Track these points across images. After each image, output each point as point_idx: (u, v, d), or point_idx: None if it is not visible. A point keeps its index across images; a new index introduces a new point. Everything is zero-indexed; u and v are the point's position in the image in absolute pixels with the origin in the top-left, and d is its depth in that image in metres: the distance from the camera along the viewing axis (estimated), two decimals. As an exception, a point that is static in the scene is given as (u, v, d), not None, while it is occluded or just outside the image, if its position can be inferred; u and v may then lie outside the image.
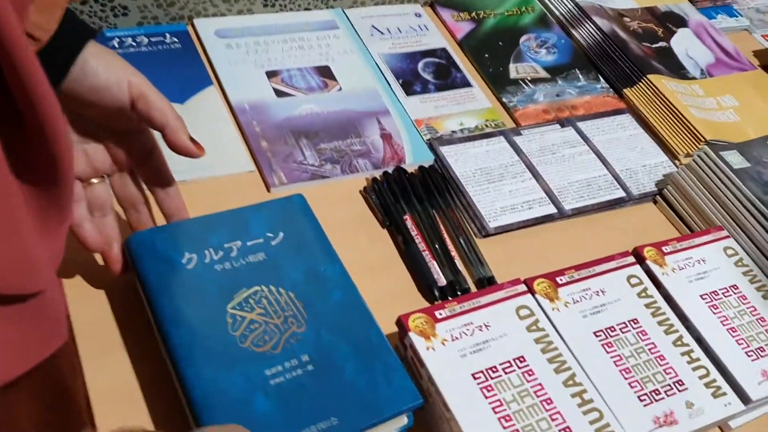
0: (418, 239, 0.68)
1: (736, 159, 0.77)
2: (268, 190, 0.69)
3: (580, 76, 0.93)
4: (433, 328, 0.55)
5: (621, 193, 0.79)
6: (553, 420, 0.52)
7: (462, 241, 0.70)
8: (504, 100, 0.87)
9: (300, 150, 0.73)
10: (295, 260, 0.56)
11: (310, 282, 0.55)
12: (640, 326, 0.62)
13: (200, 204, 0.61)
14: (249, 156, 0.71)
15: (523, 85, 0.90)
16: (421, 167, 0.76)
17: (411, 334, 0.54)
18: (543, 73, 0.92)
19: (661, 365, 0.59)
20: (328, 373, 0.50)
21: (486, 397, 0.52)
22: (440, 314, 0.56)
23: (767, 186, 0.75)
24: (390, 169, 0.74)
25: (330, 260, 0.57)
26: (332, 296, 0.55)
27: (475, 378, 0.53)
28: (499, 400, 0.52)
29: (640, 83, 0.90)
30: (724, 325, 0.64)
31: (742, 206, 0.73)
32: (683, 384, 0.58)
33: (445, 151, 0.78)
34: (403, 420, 0.51)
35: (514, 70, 0.92)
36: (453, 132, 0.81)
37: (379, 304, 0.58)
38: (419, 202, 0.72)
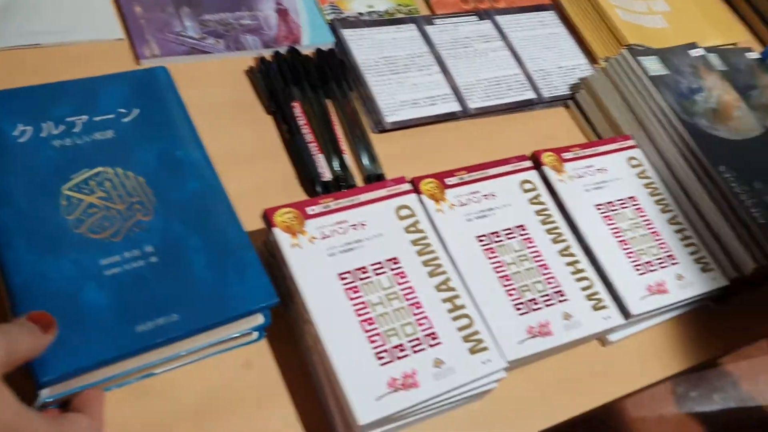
0: (305, 129, 0.62)
1: (654, 65, 0.73)
2: (138, 63, 0.61)
3: (506, -34, 0.86)
4: (302, 225, 0.51)
5: (531, 95, 0.74)
6: (420, 325, 0.49)
7: (354, 135, 0.65)
8: (421, -16, 0.80)
9: (179, 19, 0.65)
10: (149, 142, 0.50)
11: (164, 167, 0.49)
12: (527, 233, 0.59)
13: (56, 72, 0.54)
14: (119, 21, 0.63)
15: (445, -30, 0.82)
16: (318, 50, 0.69)
17: (275, 230, 0.50)
18: (467, -41, 0.85)
19: (543, 274, 0.57)
20: (173, 266, 0.45)
21: (351, 299, 0.49)
22: (312, 210, 0.52)
23: (683, 96, 0.71)
24: (282, 50, 0.67)
25: (191, 145, 0.51)
26: (188, 185, 0.49)
27: (341, 278, 0.49)
28: (363, 302, 0.49)
29: (567, -22, 0.84)
30: (615, 236, 0.62)
31: (653, 115, 0.69)
32: (564, 295, 0.56)
33: (348, 34, 0.71)
34: (258, 319, 0.48)
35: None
36: (360, 14, 0.74)
37: (253, 196, 0.53)
38: (312, 89, 0.66)
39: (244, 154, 0.60)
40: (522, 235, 0.58)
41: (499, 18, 0.79)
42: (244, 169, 0.59)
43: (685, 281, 0.61)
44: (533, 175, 0.63)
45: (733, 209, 0.64)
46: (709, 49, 0.80)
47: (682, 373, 0.63)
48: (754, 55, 0.84)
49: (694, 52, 0.78)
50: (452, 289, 0.52)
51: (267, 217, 0.50)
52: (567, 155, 0.65)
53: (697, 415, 1.56)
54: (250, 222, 0.51)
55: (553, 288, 0.56)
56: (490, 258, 0.56)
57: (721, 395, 1.62)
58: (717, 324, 0.66)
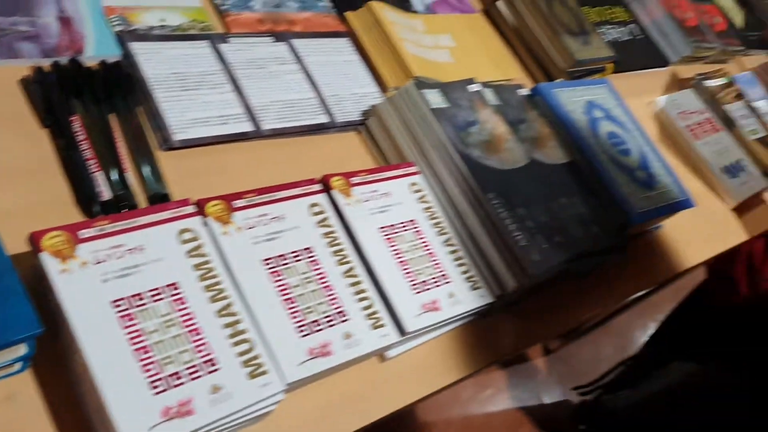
0: (84, 145, 0.59)
1: (436, 98, 0.79)
2: None
3: (305, -9, 0.88)
4: (73, 249, 0.48)
5: (325, 119, 0.77)
6: (198, 351, 0.49)
7: (139, 152, 0.63)
8: (216, 1, 0.80)
9: (-62, 20, 0.59)
10: None
11: None
12: (314, 255, 0.60)
13: None
14: None
15: (247, -11, 0.83)
16: (103, 62, 0.66)
17: (42, 255, 0.47)
18: (268, -20, 0.86)
19: (327, 296, 0.59)
20: None
21: (124, 328, 0.47)
22: (85, 233, 0.49)
23: (459, 128, 0.78)
24: (63, 60, 0.63)
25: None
26: (-62, 204, 0.45)
27: (115, 306, 0.48)
28: (138, 331, 0.47)
29: (363, 9, 0.88)
30: (395, 258, 0.65)
31: (432, 144, 0.75)
32: (345, 315, 0.59)
33: (137, 47, 0.69)
34: (21, 350, 0.45)
35: (235, -29, 0.84)
36: (151, 27, 0.72)
37: (21, 217, 0.50)
38: (95, 103, 0.63)
39: (13, 171, 0.56)
40: (308, 257, 0.60)
41: (295, 41, 0.81)
42: (11, 187, 0.55)
43: (456, 299, 0.67)
44: (322, 199, 0.65)
45: (499, 233, 0.71)
46: (485, 85, 0.87)
47: (462, 379, 0.69)
48: (525, 91, 0.93)
49: (472, 88, 0.85)
50: (234, 314, 0.52)
51: (34, 240, 0.47)
52: (355, 180, 0.69)
53: (485, 414, 1.69)
54: (18, 245, 0.48)
55: (335, 309, 0.59)
56: (275, 281, 0.57)
57: (508, 394, 1.78)
58: (485, 335, 0.73)
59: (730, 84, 1.30)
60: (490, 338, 0.73)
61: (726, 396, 0.66)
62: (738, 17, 1.54)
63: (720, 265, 1.33)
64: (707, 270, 1.37)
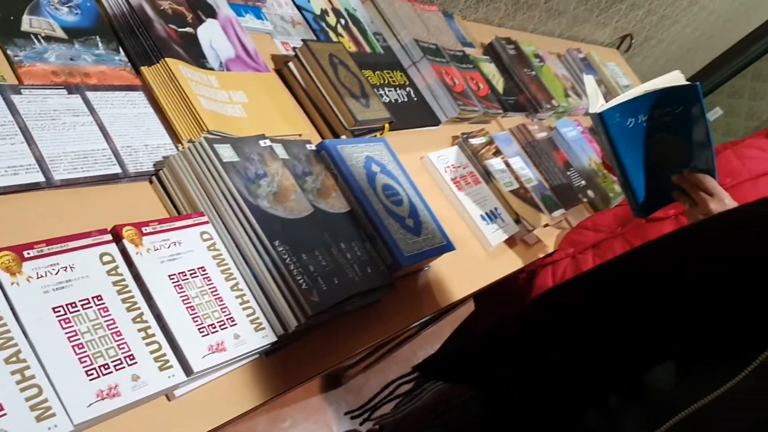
0: None
1: (227, 152, 0.86)
2: None
3: (100, 44, 0.91)
4: (20, 266, 0.59)
5: (117, 170, 0.81)
6: (-17, 399, 0.51)
7: None
8: (9, 52, 0.81)
9: None
10: None
11: None
12: (104, 303, 0.64)
13: None
14: None
15: (35, 40, 0.84)
16: None
17: None
18: (60, 33, 0.88)
19: (116, 341, 0.63)
20: None
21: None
22: (28, 253, 0.55)
23: (249, 180, 0.85)
24: None
25: None
26: None
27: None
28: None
29: (158, 64, 0.93)
30: (184, 303, 0.71)
31: (223, 196, 0.82)
32: (134, 358, 0.63)
33: None
34: None
35: (28, 23, 0.85)
36: (-67, 76, 0.72)
37: None
38: None
39: None
40: (98, 304, 0.64)
41: (89, 93, 0.84)
42: None
43: (241, 339, 0.74)
44: (112, 248, 0.69)
45: (283, 277, 0.79)
46: (276, 140, 0.96)
47: (249, 412, 0.76)
48: (312, 146, 1.04)
49: (263, 143, 0.93)
50: (23, 361, 0.55)
51: None
52: (146, 229, 0.73)
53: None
54: None
55: (124, 353, 0.63)
56: (64, 328, 0.60)
57: (301, 427, 1.85)
58: (270, 371, 0.80)
59: (490, 142, 1.52)
60: (275, 373, 0.80)
61: (462, 414, 0.79)
62: (500, 84, 1.79)
63: (484, 297, 1.53)
64: (474, 301, 1.57)
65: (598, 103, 1.07)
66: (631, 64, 3.09)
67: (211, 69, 1.03)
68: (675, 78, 1.08)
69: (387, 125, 1.21)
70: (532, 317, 0.80)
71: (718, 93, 6.26)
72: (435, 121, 1.45)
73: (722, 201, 1.05)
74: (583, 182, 1.72)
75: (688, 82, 1.02)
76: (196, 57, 1.01)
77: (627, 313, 0.67)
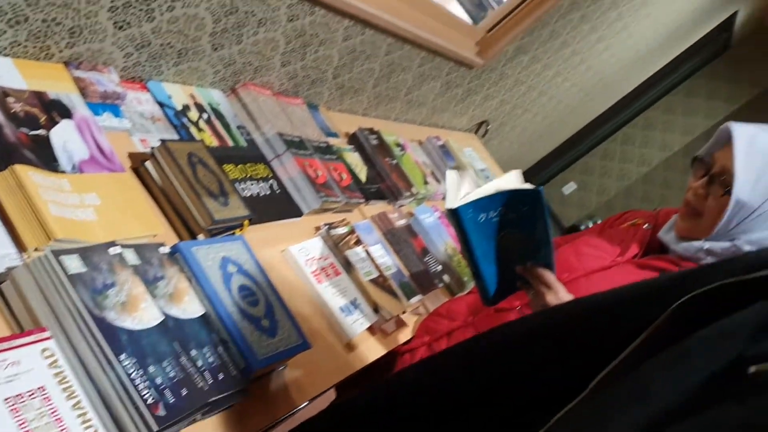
0: None
1: (74, 264, 0.85)
2: None
3: (-60, 150, 0.89)
4: None
5: (-48, 286, 0.78)
6: None
7: None
8: None
9: None
10: None
11: None
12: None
13: None
14: None
15: None
16: None
17: None
18: None
19: (58, 427, 0.70)
20: None
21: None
22: None
23: (96, 291, 0.85)
24: None
25: None
26: None
27: None
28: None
29: (5, 172, 0.91)
30: (21, 428, 0.69)
31: (67, 310, 0.81)
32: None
33: None
34: None
35: None
36: None
37: None
38: None
39: None
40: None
41: (-76, 204, 0.81)
42: None
43: (80, 462, 0.72)
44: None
45: (128, 392, 0.79)
46: (127, 245, 0.96)
47: None
48: (166, 249, 1.04)
49: (113, 250, 0.93)
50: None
51: None
52: (-19, 351, 0.71)
53: None
54: None
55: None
56: (15, 418, 0.67)
57: None
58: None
59: (351, 231, 1.58)
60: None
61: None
62: (362, 173, 1.87)
63: (345, 388, 1.56)
64: (335, 391, 1.59)
65: (455, 198, 1.16)
66: (488, 148, 3.32)
67: (64, 172, 1.02)
68: (514, 177, 1.20)
69: (246, 222, 1.24)
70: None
71: (571, 170, 6.80)
72: (297, 213, 1.50)
73: (557, 294, 1.15)
74: (439, 267, 1.82)
75: (531, 187, 1.13)
76: (48, 161, 1.00)
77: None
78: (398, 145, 2.16)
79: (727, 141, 1.18)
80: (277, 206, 1.44)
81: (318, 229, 1.52)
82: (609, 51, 3.65)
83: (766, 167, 1.12)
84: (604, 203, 6.69)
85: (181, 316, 0.96)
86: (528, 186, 1.13)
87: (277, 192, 1.48)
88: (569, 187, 6.78)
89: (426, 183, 2.16)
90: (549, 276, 1.17)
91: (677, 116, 6.47)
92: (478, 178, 2.61)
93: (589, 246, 1.38)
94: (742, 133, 1.15)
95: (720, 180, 1.18)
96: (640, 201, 6.55)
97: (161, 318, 0.92)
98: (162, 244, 1.04)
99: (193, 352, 0.92)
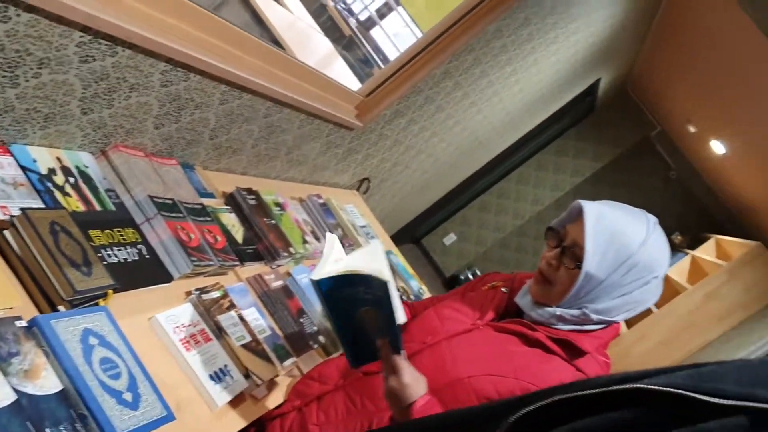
0: None
1: None
2: None
3: None
4: None
5: None
6: None
7: None
8: None
9: None
10: None
11: None
12: None
13: None
14: None
15: None
16: None
17: None
18: None
19: None
20: None
21: None
22: None
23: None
24: None
25: None
26: None
27: None
28: None
29: None
30: None
31: None
32: None
33: None
34: None
35: None
36: None
37: None
38: None
39: None
40: None
41: None
42: None
43: None
44: None
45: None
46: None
47: None
48: (23, 323, 1.01)
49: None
50: None
51: None
52: None
53: None
54: None
55: None
56: None
57: None
58: None
59: (224, 295, 1.58)
60: None
61: None
62: (239, 233, 1.88)
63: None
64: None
65: (324, 266, 1.20)
66: (371, 203, 3.41)
67: None
68: (376, 248, 1.26)
69: (110, 292, 1.22)
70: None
71: (451, 222, 7.06)
72: (167, 278, 1.48)
73: (400, 379, 1.17)
74: (315, 328, 1.84)
75: (379, 278, 1.17)
76: None
77: None
78: (277, 204, 2.18)
79: (578, 215, 1.30)
80: (145, 272, 1.42)
81: (189, 294, 1.51)
82: (482, 114, 3.87)
83: (611, 244, 1.24)
84: (482, 253, 6.98)
85: (36, 393, 0.93)
86: (380, 272, 1.17)
87: (147, 257, 1.46)
88: (449, 238, 7.02)
89: (305, 242, 2.19)
90: (396, 360, 1.19)
91: (548, 173, 6.91)
92: (357, 235, 2.68)
93: (451, 309, 1.45)
94: (592, 211, 1.26)
95: (571, 252, 1.28)
96: (515, 251, 6.89)
97: (14, 398, 0.89)
98: (19, 318, 1.01)
99: (48, 431, 0.90)
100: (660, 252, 1.27)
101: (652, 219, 1.30)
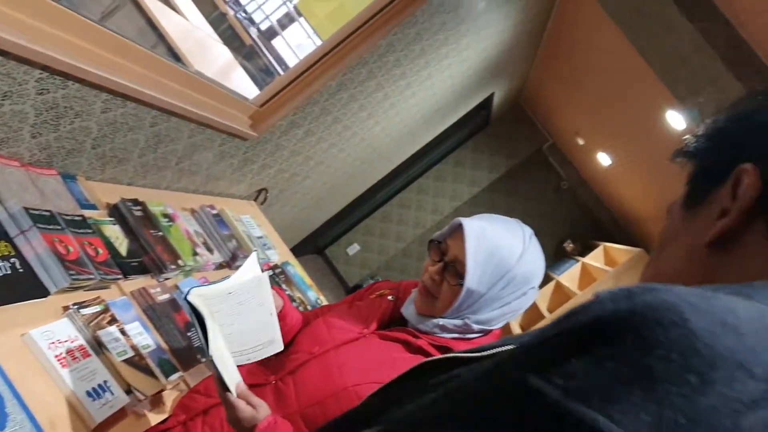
0: None
1: None
2: None
3: None
4: None
5: None
6: None
7: None
8: None
9: None
10: None
11: None
12: None
13: None
14: None
15: None
16: None
17: None
18: None
19: None
20: None
21: None
22: None
23: None
24: None
25: None
26: None
27: None
28: None
29: None
30: None
31: None
32: None
33: None
34: None
35: None
36: None
37: None
38: None
39: None
40: None
41: None
42: None
43: None
44: None
45: None
46: None
47: None
48: None
49: None
50: None
51: None
52: None
53: None
54: None
55: None
56: None
57: None
58: None
59: (105, 310, 1.53)
60: None
61: None
62: (123, 246, 1.83)
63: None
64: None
65: (200, 289, 1.20)
66: (269, 214, 3.39)
67: None
68: (252, 261, 1.28)
69: (-24, 309, 1.16)
70: None
71: (354, 232, 7.11)
72: (43, 293, 1.42)
73: (236, 414, 1.17)
74: (204, 341, 1.81)
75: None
76: None
77: None
78: (166, 215, 2.14)
79: (458, 230, 1.35)
80: (18, 287, 1.36)
81: (66, 308, 1.46)
82: (379, 126, 3.94)
83: (490, 260, 1.30)
84: (385, 263, 7.07)
85: None
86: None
87: (20, 271, 1.40)
88: (353, 248, 7.07)
89: (196, 254, 2.16)
90: (227, 399, 1.18)
91: (447, 183, 7.09)
92: (253, 246, 2.66)
93: (338, 318, 1.47)
94: (472, 230, 1.31)
95: (453, 269, 1.33)
96: (416, 260, 7.01)
97: None
98: None
99: None
100: (536, 264, 1.34)
101: (528, 231, 1.37)
